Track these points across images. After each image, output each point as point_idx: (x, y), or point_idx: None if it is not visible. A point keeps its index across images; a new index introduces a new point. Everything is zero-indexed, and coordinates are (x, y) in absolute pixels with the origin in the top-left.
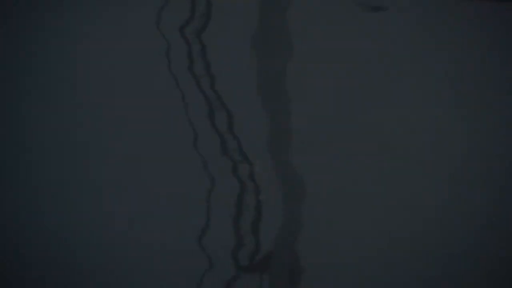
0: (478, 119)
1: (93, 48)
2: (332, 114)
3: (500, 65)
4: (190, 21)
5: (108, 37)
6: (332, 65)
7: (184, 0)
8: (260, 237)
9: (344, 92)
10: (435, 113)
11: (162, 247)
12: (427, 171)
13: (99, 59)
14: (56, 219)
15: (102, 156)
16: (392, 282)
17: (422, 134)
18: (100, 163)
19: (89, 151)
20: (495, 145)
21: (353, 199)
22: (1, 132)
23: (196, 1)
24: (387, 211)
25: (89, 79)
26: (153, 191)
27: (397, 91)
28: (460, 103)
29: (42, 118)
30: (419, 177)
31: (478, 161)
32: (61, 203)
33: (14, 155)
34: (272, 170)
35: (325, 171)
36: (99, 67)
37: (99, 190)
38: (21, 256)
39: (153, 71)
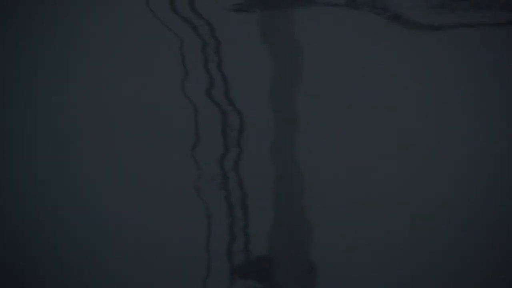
0: (488, 118)
1: (91, 45)
2: (338, 113)
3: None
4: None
5: (107, 34)
6: (339, 64)
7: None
8: (257, 239)
9: (350, 90)
10: (443, 113)
11: (160, 249)
12: (435, 170)
13: (97, 57)
14: (56, 220)
15: (101, 156)
16: (392, 282)
17: (429, 133)
18: (100, 163)
19: (89, 151)
20: (503, 146)
21: (356, 197)
22: (2, 133)
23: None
24: (391, 211)
25: (89, 78)
26: (154, 192)
27: (405, 90)
28: (468, 103)
29: (42, 118)
30: (427, 176)
31: (486, 162)
32: (60, 205)
33: (13, 155)
34: (275, 167)
35: (329, 171)
36: (98, 65)
37: (99, 190)
38: (21, 257)
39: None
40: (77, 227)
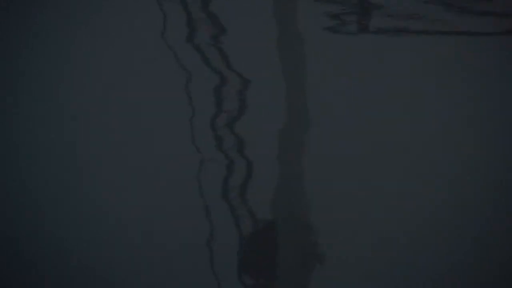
0: (484, 120)
1: (92, 44)
2: (339, 112)
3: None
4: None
5: (106, 33)
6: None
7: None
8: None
9: (353, 94)
10: (441, 114)
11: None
12: (432, 172)
13: (98, 55)
14: (58, 220)
15: (103, 156)
16: (392, 281)
17: (426, 135)
18: (101, 162)
19: (90, 151)
20: (499, 147)
21: (355, 198)
22: (1, 132)
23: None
24: (390, 210)
25: (89, 77)
26: (153, 187)
27: (404, 93)
28: (465, 104)
29: (41, 118)
30: (423, 178)
31: (482, 162)
32: (61, 204)
33: (14, 156)
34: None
35: (328, 169)
36: (98, 63)
37: (100, 189)
38: (28, 259)
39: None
40: (76, 229)
